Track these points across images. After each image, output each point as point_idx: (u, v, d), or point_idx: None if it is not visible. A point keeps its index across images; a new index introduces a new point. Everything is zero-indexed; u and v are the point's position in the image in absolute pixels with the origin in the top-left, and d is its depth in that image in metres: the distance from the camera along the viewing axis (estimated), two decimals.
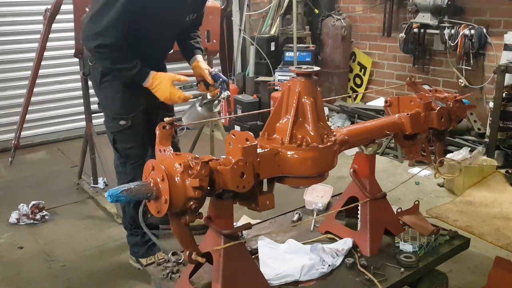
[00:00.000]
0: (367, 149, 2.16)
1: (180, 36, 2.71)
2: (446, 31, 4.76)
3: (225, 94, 2.52)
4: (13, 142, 4.00)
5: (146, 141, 2.59)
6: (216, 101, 2.55)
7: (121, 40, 2.27)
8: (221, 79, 2.54)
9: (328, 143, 1.77)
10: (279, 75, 5.49)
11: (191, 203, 1.46)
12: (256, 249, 2.10)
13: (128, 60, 2.33)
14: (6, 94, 5.16)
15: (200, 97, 2.58)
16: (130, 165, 2.62)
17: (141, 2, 2.25)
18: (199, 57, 2.67)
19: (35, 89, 4.03)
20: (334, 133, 1.88)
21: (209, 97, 2.54)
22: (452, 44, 4.74)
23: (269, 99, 5.34)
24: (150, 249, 2.79)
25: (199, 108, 2.52)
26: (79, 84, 3.83)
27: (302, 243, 2.17)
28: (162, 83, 2.38)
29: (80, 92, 3.93)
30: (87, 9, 3.45)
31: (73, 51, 3.64)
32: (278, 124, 1.80)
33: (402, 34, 5.18)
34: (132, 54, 2.35)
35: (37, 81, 3.95)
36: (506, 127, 4.12)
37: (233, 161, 1.53)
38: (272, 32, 6.11)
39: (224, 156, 1.62)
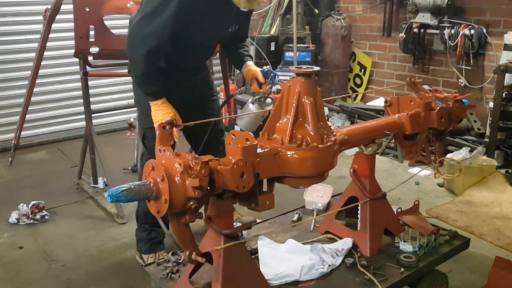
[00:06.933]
0: (367, 149, 2.16)
1: (228, 48, 2.77)
2: (446, 31, 4.76)
3: (274, 88, 2.47)
4: (13, 142, 3.99)
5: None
6: (269, 99, 2.52)
7: (160, 46, 2.28)
8: (272, 74, 2.52)
9: (328, 143, 1.77)
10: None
11: (191, 203, 1.47)
12: (256, 249, 2.10)
13: (156, 76, 2.36)
14: (6, 94, 5.16)
15: (253, 97, 2.56)
16: None
17: (190, 10, 2.25)
18: (249, 62, 2.67)
19: (35, 89, 4.01)
20: (334, 133, 1.88)
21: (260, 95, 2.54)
22: (452, 44, 4.74)
23: None
24: (153, 247, 2.83)
25: (250, 105, 2.51)
26: (79, 84, 3.82)
27: (302, 243, 2.17)
28: (159, 115, 2.38)
29: (80, 92, 3.92)
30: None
31: (73, 51, 3.64)
32: (278, 124, 1.80)
33: (402, 34, 5.18)
34: (168, 63, 2.44)
35: (37, 81, 3.93)
36: (506, 127, 4.12)
37: (233, 161, 1.53)
38: (272, 32, 6.11)
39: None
